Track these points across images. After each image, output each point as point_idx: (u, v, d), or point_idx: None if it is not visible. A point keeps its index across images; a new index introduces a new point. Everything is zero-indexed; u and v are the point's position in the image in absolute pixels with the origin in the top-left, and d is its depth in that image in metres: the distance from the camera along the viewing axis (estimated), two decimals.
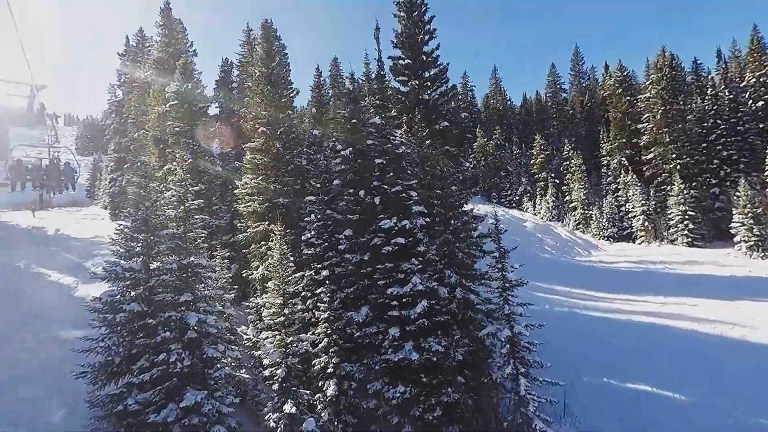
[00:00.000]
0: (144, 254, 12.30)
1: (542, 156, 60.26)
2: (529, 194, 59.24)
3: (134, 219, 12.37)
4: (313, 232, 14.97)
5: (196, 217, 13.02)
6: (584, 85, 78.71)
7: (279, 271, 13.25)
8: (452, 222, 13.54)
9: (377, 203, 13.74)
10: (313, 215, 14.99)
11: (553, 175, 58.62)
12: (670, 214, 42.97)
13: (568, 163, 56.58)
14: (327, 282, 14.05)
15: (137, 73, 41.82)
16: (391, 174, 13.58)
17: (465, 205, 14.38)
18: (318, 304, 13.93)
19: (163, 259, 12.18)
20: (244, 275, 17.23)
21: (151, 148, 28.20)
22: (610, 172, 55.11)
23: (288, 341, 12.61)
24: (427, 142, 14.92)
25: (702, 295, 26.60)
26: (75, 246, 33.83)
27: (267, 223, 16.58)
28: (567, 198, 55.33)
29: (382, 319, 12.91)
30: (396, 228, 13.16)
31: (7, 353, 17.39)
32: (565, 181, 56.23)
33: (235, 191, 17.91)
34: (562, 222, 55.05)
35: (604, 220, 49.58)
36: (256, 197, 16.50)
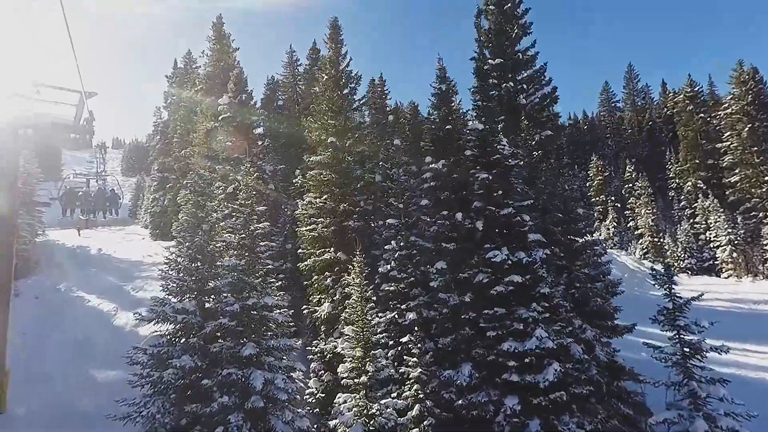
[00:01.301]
0: (199, 290, 10.00)
1: (600, 178, 55.70)
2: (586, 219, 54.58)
3: (189, 245, 10.18)
4: (393, 264, 12.30)
5: (262, 243, 10.70)
6: (639, 103, 74.18)
7: (358, 314, 10.57)
8: (580, 255, 10.50)
9: (480, 229, 10.95)
10: (393, 242, 12.35)
11: (613, 198, 53.86)
12: (765, 244, 37.49)
13: (630, 185, 51.79)
14: (415, 328, 11.22)
15: (184, 93, 41.86)
16: (500, 192, 10.81)
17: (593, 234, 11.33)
18: (404, 356, 11.08)
19: (222, 297, 9.83)
20: (303, 311, 14.67)
21: (198, 166, 26.88)
22: (683, 196, 49.85)
23: (372, 409, 9.77)
24: (537, 153, 12.11)
25: None
26: (116, 267, 32.80)
27: (333, 249, 14.08)
28: (630, 224, 50.32)
29: (492, 383, 9.86)
30: (509, 262, 10.27)
31: (47, 396, 15.50)
32: (627, 206, 51.34)
33: (295, 212, 15.61)
34: (626, 250, 49.91)
35: (680, 249, 44.26)
36: (321, 219, 14.10)
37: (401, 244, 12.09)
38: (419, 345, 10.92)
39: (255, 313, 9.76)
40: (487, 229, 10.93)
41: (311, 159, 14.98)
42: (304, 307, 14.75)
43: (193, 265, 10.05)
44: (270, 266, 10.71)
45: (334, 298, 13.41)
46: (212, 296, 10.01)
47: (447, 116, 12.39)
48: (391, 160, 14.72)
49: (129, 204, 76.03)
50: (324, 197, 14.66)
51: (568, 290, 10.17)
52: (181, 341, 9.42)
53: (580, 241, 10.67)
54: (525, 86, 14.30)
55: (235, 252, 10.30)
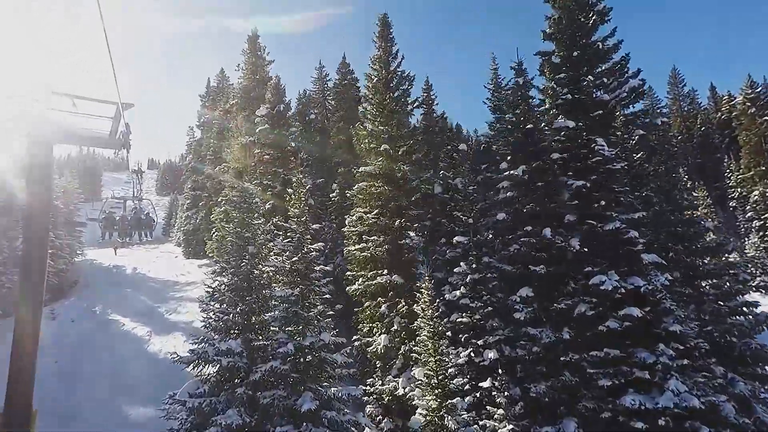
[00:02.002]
0: (245, 326, 8.47)
1: None
2: None
3: (234, 272, 8.72)
4: (464, 290, 10.43)
5: (317, 268, 9.11)
6: (686, 108, 69.84)
7: (430, 352, 8.74)
8: (710, 280, 8.33)
9: (575, 247, 8.98)
10: (463, 264, 10.52)
11: None
12: None
13: (686, 196, 47.85)
14: (499, 371, 9.25)
15: (217, 111, 41.99)
16: (601, 203, 8.86)
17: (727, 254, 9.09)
18: (486, 406, 9.10)
19: (273, 334, 8.26)
20: (354, 342, 12.90)
21: (230, 181, 26.06)
22: (748, 206, 45.42)
23: None
24: (639, 155, 10.06)
25: None
26: (150, 287, 32.34)
27: (387, 271, 12.36)
28: None
29: None
30: (621, 290, 8.24)
31: None
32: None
33: (342, 229, 14.03)
34: None
35: (750, 266, 39.94)
36: (373, 237, 12.45)
37: (473, 266, 10.22)
38: (504, 392, 8.92)
39: (313, 355, 8.12)
40: (585, 248, 8.92)
41: (360, 170, 13.45)
42: (355, 337, 12.99)
43: (238, 295, 8.55)
44: (327, 296, 9.10)
45: (392, 329, 11.61)
46: (261, 333, 8.46)
47: (526, 114, 10.54)
48: (454, 169, 13.00)
49: (162, 222, 77.55)
50: (375, 212, 13.03)
51: (703, 327, 7.98)
52: (226, 389, 7.84)
53: (710, 262, 8.48)
54: (605, 80, 12.33)
55: (286, 279, 8.77)
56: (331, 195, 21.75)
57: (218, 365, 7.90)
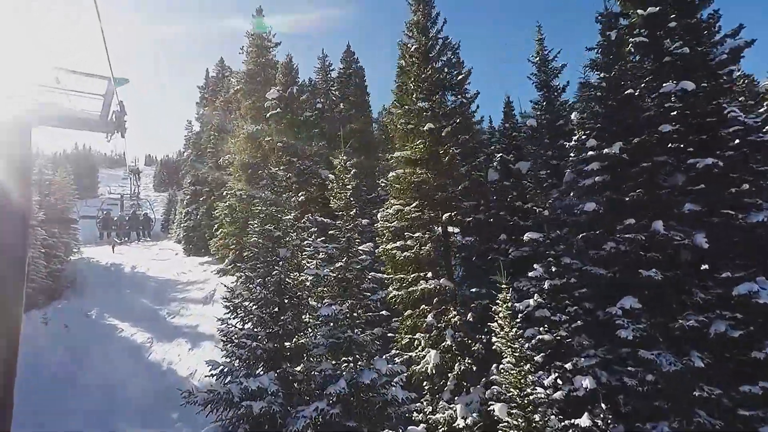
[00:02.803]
0: (279, 354, 6.34)
1: None
2: None
3: (263, 281, 6.58)
4: (540, 298, 8.37)
5: (369, 276, 6.98)
6: None
7: (514, 381, 6.69)
8: None
9: (701, 246, 6.90)
10: (538, 266, 8.44)
11: None
12: None
13: None
14: (600, 405, 7.21)
15: (218, 101, 39.57)
16: (744, 187, 6.71)
17: None
18: None
19: (316, 365, 6.17)
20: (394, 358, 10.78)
21: (237, 174, 23.81)
22: None
23: None
24: None
25: None
26: (150, 287, 30.08)
27: (433, 274, 10.25)
28: None
29: None
30: None
31: None
32: None
33: (375, 225, 11.87)
34: None
35: None
36: (417, 234, 10.30)
37: (552, 269, 8.13)
38: None
39: (363, 389, 6.04)
40: (716, 248, 6.83)
41: (396, 155, 11.26)
42: (394, 350, 10.87)
43: (268, 312, 6.43)
44: (381, 312, 7.01)
45: (443, 345, 9.53)
46: (300, 363, 6.36)
47: (623, 77, 8.28)
48: (516, 151, 10.78)
49: (161, 218, 75.34)
50: (415, 203, 10.87)
51: None
52: None
53: None
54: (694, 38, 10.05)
55: (330, 291, 6.67)
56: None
57: (244, 410, 5.78)
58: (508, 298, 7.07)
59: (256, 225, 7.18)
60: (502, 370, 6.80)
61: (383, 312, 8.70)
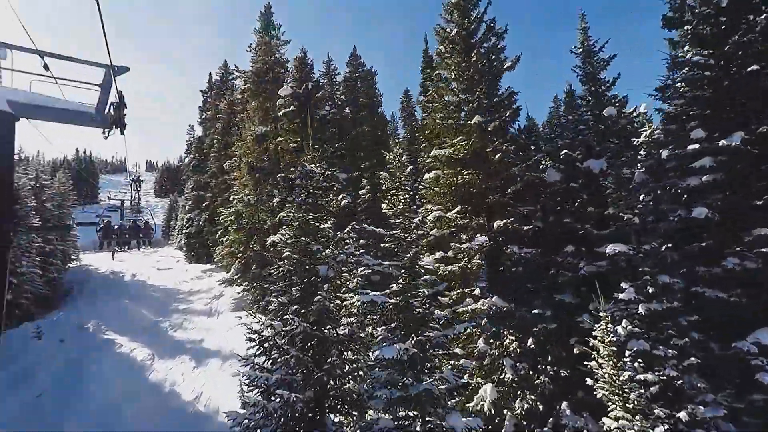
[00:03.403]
0: (320, 406, 4.83)
1: None
2: None
3: (300, 311, 5.05)
4: (631, 326, 6.78)
5: (439, 298, 5.48)
6: None
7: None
8: None
9: None
10: (627, 286, 6.82)
11: None
12: None
13: None
14: None
15: (222, 104, 38.23)
16: None
17: None
18: None
19: (372, 423, 4.66)
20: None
21: (243, 179, 22.32)
22: None
23: None
24: None
25: None
26: (151, 297, 28.47)
27: (480, 292, 8.72)
28: None
29: None
30: None
31: None
32: None
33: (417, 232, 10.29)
34: None
35: None
36: (465, 245, 8.75)
37: (648, 290, 6.60)
38: None
39: None
40: None
41: (433, 153, 9.78)
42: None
43: (307, 352, 4.91)
44: (458, 350, 5.49)
45: (501, 377, 7.98)
46: (347, 415, 4.83)
47: (741, 48, 6.70)
48: (584, 147, 9.24)
49: (162, 225, 73.73)
50: (458, 209, 9.38)
51: None
52: None
53: None
54: None
55: (383, 320, 5.14)
56: (360, 192, 18.14)
57: None
58: (609, 329, 5.55)
59: (289, 236, 5.65)
60: (616, 429, 5.21)
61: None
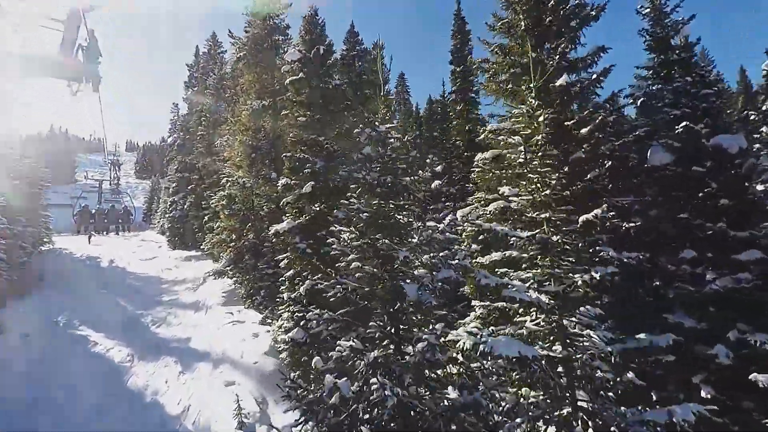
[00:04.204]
0: None
1: None
2: None
3: (386, 374, 2.95)
4: None
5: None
6: None
7: None
8: None
9: None
10: None
11: None
12: None
13: None
14: None
15: (210, 78, 35.06)
16: None
17: None
18: None
19: None
20: None
21: (237, 159, 19.81)
22: None
23: None
24: None
25: None
26: (131, 286, 25.73)
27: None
28: None
29: None
30: None
31: None
32: None
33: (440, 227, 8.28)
34: None
35: None
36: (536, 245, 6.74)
37: None
38: None
39: None
40: None
41: (488, 129, 7.70)
42: None
43: None
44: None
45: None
46: None
47: None
48: (710, 118, 7.11)
49: (143, 207, 70.00)
50: (525, 199, 7.36)
51: None
52: None
53: None
54: None
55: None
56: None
57: None
58: None
59: (355, 235, 3.52)
60: None
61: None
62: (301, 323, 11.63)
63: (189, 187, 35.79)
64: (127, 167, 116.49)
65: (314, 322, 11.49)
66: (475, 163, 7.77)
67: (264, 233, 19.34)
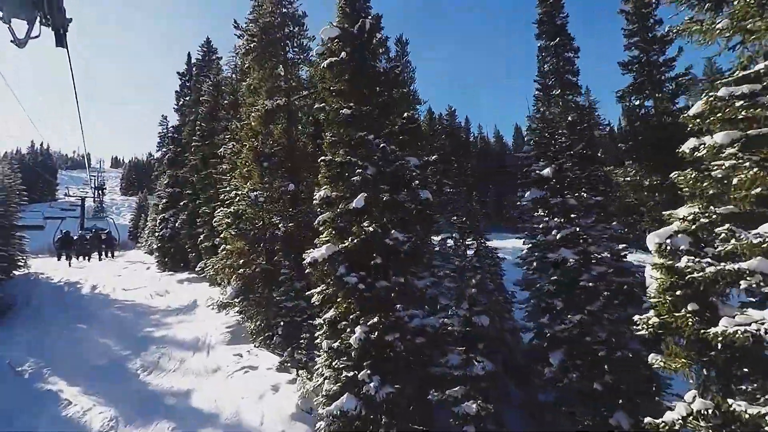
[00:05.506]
0: None
1: None
2: None
3: None
4: None
5: None
6: None
7: None
8: None
9: None
10: None
11: None
12: None
13: None
14: None
15: (204, 84, 31.77)
16: None
17: None
18: None
19: None
20: None
21: (245, 170, 16.48)
22: None
23: None
24: None
25: None
26: (115, 318, 21.63)
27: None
28: None
29: None
30: None
31: None
32: None
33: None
34: None
35: None
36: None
37: None
38: None
39: None
40: None
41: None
42: None
43: None
44: None
45: None
46: None
47: None
48: None
49: (129, 225, 65.26)
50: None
51: None
52: None
53: None
54: None
55: None
56: (448, 181, 12.86)
57: None
58: None
59: None
60: None
61: None
62: (354, 389, 8.31)
63: (181, 203, 32.05)
64: (113, 184, 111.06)
65: (372, 385, 7.72)
66: (685, 156, 4.77)
67: (277, 257, 16.03)
